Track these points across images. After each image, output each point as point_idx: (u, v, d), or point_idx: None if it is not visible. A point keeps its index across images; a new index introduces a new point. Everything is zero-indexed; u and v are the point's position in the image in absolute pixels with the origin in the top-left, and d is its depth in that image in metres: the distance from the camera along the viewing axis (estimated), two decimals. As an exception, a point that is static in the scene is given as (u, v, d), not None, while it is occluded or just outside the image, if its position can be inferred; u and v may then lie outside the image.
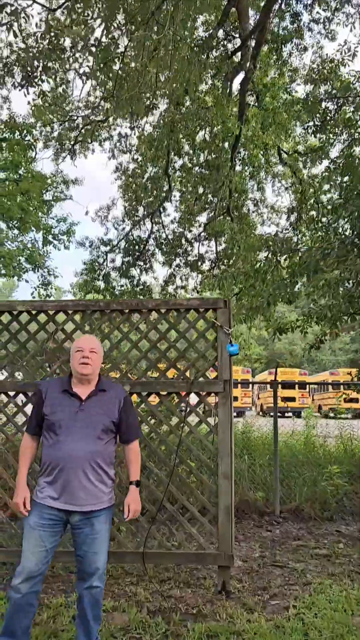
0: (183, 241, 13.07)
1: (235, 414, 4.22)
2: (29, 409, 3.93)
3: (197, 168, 11.94)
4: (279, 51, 10.86)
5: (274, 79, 11.37)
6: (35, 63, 6.57)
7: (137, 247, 13.28)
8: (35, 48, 6.62)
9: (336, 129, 8.18)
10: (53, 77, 7.31)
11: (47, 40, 6.45)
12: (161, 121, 11.26)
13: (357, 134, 7.65)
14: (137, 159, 13.04)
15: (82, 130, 12.35)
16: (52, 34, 6.46)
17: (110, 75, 7.62)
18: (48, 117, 11.63)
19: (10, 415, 4.14)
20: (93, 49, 6.66)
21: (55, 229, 12.94)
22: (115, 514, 3.49)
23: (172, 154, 11.79)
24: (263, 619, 3.20)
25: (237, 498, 5.57)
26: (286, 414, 22.90)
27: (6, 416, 4.13)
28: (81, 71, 7.22)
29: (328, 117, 8.00)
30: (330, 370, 28.86)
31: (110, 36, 6.72)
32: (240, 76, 10.63)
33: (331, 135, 8.46)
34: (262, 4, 9.85)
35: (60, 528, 2.66)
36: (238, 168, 11.79)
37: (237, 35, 11.03)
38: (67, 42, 7.03)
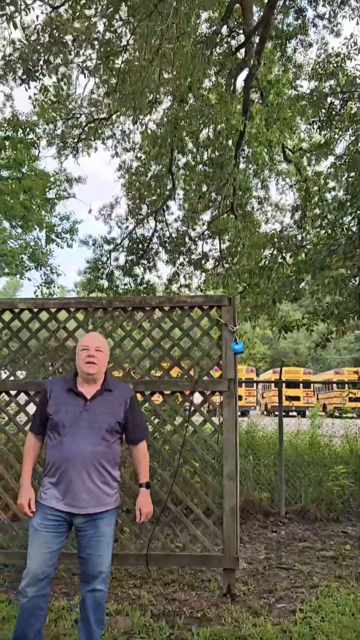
0: (187, 239, 13.02)
1: (239, 413, 4.13)
2: (30, 408, 3.88)
3: (200, 166, 11.88)
4: (284, 47, 10.83)
5: (278, 76, 11.29)
6: (37, 56, 6.52)
7: (140, 245, 13.23)
8: (36, 42, 6.57)
9: (341, 125, 8.10)
10: (55, 71, 7.25)
11: (49, 34, 6.40)
12: (165, 118, 11.20)
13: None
14: (141, 157, 13.00)
15: (85, 128, 12.31)
16: (54, 25, 6.40)
17: (113, 71, 7.56)
18: (51, 115, 11.60)
19: (12, 414, 4.09)
20: (95, 42, 6.60)
21: (58, 227, 12.96)
22: (118, 515, 3.43)
23: (176, 151, 11.72)
24: (269, 623, 3.13)
25: (241, 498, 5.50)
26: (290, 413, 22.84)
27: (8, 415, 4.08)
28: (84, 65, 7.16)
29: (333, 113, 7.92)
30: (334, 369, 28.72)
31: (112, 29, 6.67)
32: (245, 73, 10.57)
33: (337, 131, 8.38)
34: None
35: (65, 529, 2.60)
36: (242, 166, 11.72)
37: (241, 32, 10.98)
38: (69, 37, 6.97)
